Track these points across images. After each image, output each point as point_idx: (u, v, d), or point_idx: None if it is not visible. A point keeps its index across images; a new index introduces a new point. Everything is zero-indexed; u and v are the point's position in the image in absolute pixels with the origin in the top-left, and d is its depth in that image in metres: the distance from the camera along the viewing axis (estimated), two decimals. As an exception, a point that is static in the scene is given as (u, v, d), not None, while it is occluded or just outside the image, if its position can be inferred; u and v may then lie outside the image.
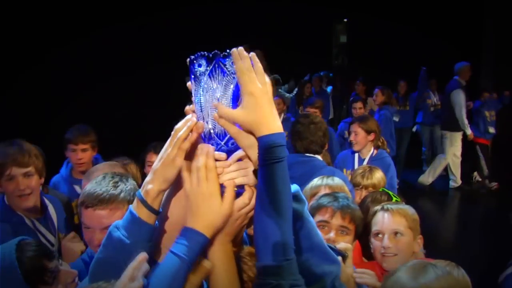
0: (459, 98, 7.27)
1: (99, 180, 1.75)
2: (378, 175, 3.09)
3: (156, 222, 1.22)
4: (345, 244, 1.71)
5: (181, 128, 1.17)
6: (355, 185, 3.09)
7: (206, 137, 1.20)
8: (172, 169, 1.16)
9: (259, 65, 1.13)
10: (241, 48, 1.12)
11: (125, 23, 6.74)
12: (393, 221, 2.11)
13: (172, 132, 1.18)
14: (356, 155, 4.02)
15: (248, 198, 1.17)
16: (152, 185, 1.17)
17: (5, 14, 5.61)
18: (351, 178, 3.23)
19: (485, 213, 7.32)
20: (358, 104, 6.17)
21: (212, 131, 1.18)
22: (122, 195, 1.71)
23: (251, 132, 1.13)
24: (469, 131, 7.45)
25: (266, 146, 1.08)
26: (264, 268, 1.12)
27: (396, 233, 2.10)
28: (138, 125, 6.76)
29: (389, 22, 9.79)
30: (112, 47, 6.65)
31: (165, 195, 1.22)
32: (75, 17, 6.31)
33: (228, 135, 1.17)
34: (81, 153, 3.28)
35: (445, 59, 8.39)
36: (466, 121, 7.36)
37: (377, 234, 2.13)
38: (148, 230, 1.17)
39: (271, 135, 1.09)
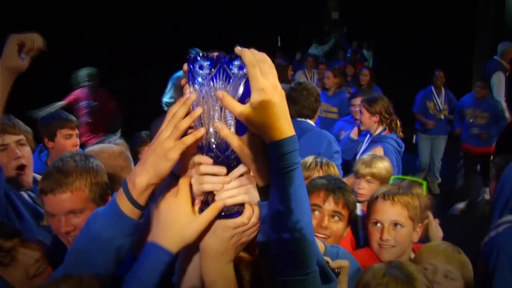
0: (499, 80, 6.66)
1: (57, 163, 1.60)
2: (381, 165, 2.86)
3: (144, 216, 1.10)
4: (340, 261, 1.55)
5: (181, 114, 1.01)
6: (354, 172, 2.99)
7: (204, 149, 1.05)
8: (165, 163, 1.02)
9: (269, 61, 0.99)
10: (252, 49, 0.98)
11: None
12: (393, 212, 1.99)
13: (168, 115, 1.03)
14: (368, 134, 3.94)
15: (247, 218, 1.05)
16: (140, 178, 1.03)
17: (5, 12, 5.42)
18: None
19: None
20: (357, 101, 4.88)
21: (212, 142, 1.04)
22: (82, 175, 1.58)
23: (257, 134, 0.99)
24: (507, 114, 6.75)
25: (279, 153, 0.96)
26: (289, 283, 1.04)
27: (396, 224, 1.99)
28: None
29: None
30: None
31: (159, 189, 1.09)
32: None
33: (230, 148, 1.03)
34: (76, 138, 2.98)
35: (437, 48, 8.13)
36: (504, 104, 6.72)
37: (375, 223, 2.02)
38: (130, 226, 1.06)
39: (283, 141, 0.95)
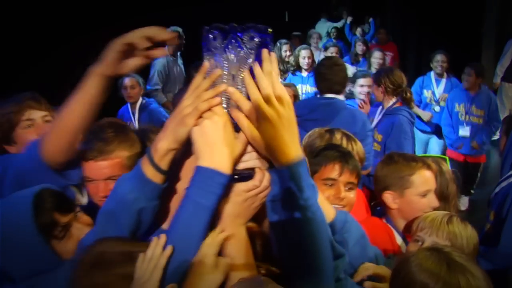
0: (508, 48, 6.70)
1: (97, 131, 1.67)
2: (356, 146, 2.52)
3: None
4: (380, 267, 1.48)
5: (205, 86, 1.08)
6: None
7: None
8: (183, 128, 1.08)
9: (274, 75, 1.05)
10: (265, 52, 1.05)
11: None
12: (435, 180, 2.10)
13: (191, 86, 1.10)
14: (380, 106, 3.95)
15: (258, 180, 1.10)
16: (162, 143, 1.10)
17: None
18: None
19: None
20: (365, 81, 4.34)
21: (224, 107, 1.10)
22: (121, 144, 1.67)
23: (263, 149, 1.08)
24: (497, 79, 6.67)
25: (288, 178, 1.05)
26: None
27: (434, 191, 2.08)
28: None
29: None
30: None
31: (179, 155, 1.14)
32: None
33: None
34: None
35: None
36: (500, 71, 6.68)
37: (425, 194, 2.04)
38: (153, 189, 1.13)
39: (293, 166, 1.05)
